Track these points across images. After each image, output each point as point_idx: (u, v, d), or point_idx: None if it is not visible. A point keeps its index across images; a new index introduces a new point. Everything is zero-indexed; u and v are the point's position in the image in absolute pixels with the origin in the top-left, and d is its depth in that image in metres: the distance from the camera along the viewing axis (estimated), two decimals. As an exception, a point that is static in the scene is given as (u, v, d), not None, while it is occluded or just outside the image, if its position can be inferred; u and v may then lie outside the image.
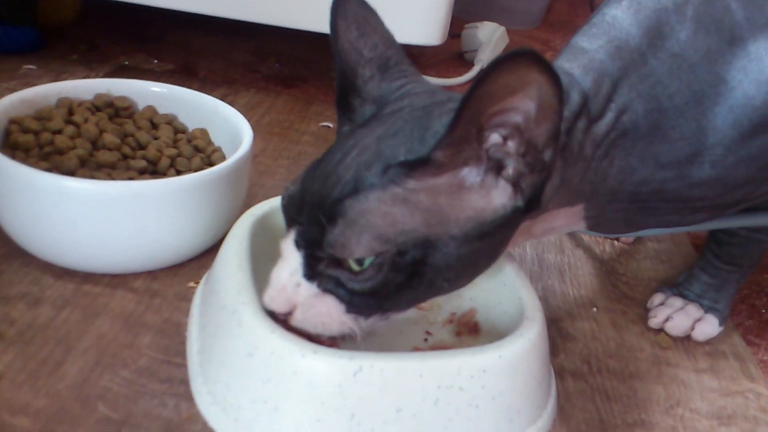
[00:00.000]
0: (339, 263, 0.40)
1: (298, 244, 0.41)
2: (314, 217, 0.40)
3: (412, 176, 0.39)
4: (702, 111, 0.45)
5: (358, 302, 0.41)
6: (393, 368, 0.41)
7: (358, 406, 0.41)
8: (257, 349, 0.42)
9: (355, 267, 0.40)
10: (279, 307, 0.42)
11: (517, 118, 0.37)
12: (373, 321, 0.43)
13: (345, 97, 0.44)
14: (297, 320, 0.42)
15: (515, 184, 0.40)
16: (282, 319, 0.43)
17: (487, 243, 0.42)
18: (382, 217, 0.39)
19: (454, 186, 0.39)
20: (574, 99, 0.43)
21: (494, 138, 0.39)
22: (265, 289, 0.43)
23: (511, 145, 0.39)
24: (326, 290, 0.41)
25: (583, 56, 0.45)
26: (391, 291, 0.41)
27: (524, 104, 0.36)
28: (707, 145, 0.46)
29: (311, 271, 0.41)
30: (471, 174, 0.40)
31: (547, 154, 0.39)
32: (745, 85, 0.45)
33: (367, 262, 0.40)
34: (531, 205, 0.41)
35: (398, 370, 0.41)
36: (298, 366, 0.41)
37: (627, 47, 0.45)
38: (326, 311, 0.42)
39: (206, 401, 0.44)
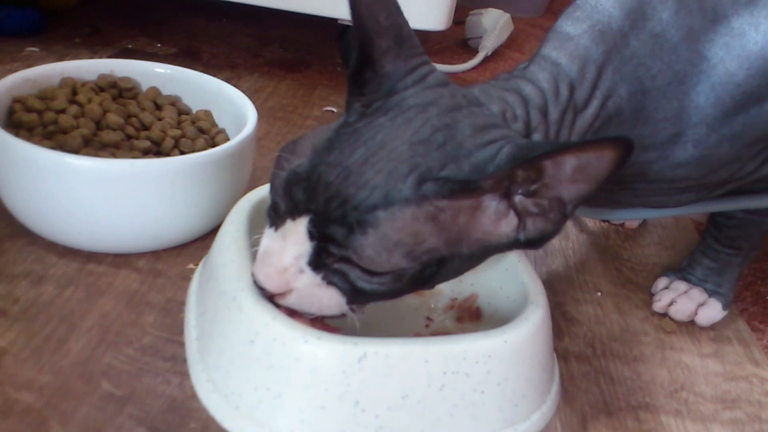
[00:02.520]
0: (351, 261, 0.39)
1: (311, 235, 0.39)
2: (337, 217, 0.38)
3: (451, 197, 0.38)
4: (684, 90, 0.45)
5: (361, 297, 0.41)
6: (398, 354, 0.41)
7: (363, 392, 0.40)
8: (258, 336, 0.41)
9: (372, 274, 0.40)
10: (274, 287, 0.40)
11: (545, 162, 0.37)
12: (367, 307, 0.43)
13: (360, 70, 0.42)
14: (287, 302, 0.41)
15: (521, 218, 0.40)
16: (268, 296, 0.41)
17: (484, 257, 0.42)
18: (413, 235, 0.38)
19: (473, 207, 0.39)
20: (563, 93, 0.44)
21: (519, 174, 0.39)
22: (258, 261, 0.41)
23: (521, 175, 0.39)
24: (330, 282, 0.40)
25: (569, 43, 0.45)
26: (397, 292, 0.41)
27: (565, 164, 0.37)
28: (690, 124, 0.46)
29: (318, 262, 0.40)
30: (490, 199, 0.40)
31: (569, 209, 0.40)
32: (727, 61, 0.45)
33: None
34: (531, 245, 0.41)
35: (403, 356, 0.41)
36: (301, 352, 0.40)
37: (610, 30, 0.45)
38: (326, 301, 0.41)
39: (206, 389, 0.43)
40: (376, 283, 0.39)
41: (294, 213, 0.40)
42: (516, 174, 0.38)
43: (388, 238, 0.38)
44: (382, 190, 0.38)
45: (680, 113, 0.45)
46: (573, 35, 0.45)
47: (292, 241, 0.40)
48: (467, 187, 0.38)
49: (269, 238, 0.41)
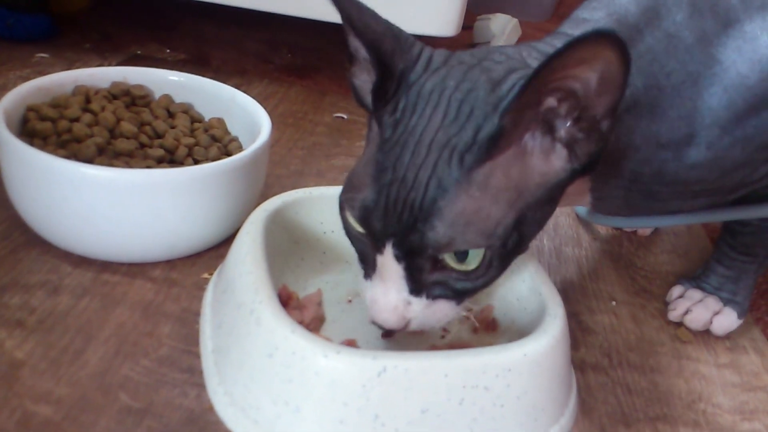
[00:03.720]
0: (442, 267, 0.41)
1: (398, 258, 0.41)
2: (409, 226, 0.39)
3: (490, 156, 0.39)
4: (697, 91, 0.45)
5: (468, 295, 0.44)
6: (418, 368, 0.40)
7: (382, 406, 0.40)
8: (277, 350, 0.41)
9: (461, 267, 0.41)
10: (395, 326, 0.43)
11: (575, 85, 0.38)
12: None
13: (383, 83, 0.41)
14: (411, 329, 0.44)
15: (570, 147, 0.40)
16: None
17: (553, 201, 0.43)
18: (477, 212, 0.39)
19: (519, 154, 0.40)
20: None
21: (549, 101, 0.39)
22: (370, 310, 0.43)
23: (564, 107, 0.39)
24: (435, 297, 0.42)
25: (586, 25, 0.46)
26: (498, 274, 0.43)
27: (585, 74, 0.37)
28: (703, 125, 0.46)
29: (416, 285, 0.42)
30: (531, 138, 0.40)
31: (605, 125, 0.40)
32: (739, 65, 0.45)
33: (471, 260, 0.41)
34: (587, 169, 0.41)
35: (423, 370, 0.40)
36: (320, 366, 0.40)
37: (626, 22, 0.45)
38: (441, 315, 0.44)
39: (223, 402, 0.43)
40: (474, 278, 0.42)
41: (379, 244, 0.41)
42: (544, 102, 0.39)
43: (456, 224, 0.39)
44: (436, 182, 0.39)
45: (693, 114, 0.46)
46: (590, 19, 0.46)
47: (390, 278, 0.42)
48: (496, 137, 0.38)
49: (369, 288, 0.43)
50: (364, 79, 0.45)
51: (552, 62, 0.35)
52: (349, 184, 0.43)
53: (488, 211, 0.39)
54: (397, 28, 0.43)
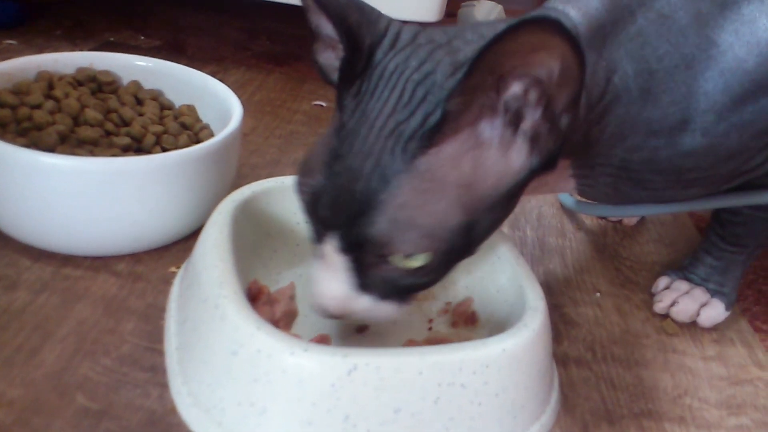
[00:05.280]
0: (388, 263, 0.39)
1: (343, 251, 0.39)
2: (351, 219, 0.37)
3: (433, 143, 0.36)
4: (692, 75, 0.43)
5: (413, 293, 0.43)
6: (390, 366, 0.38)
7: (353, 406, 0.38)
8: (242, 347, 0.39)
9: (405, 264, 0.39)
10: (336, 314, 0.42)
11: (541, 72, 0.34)
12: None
13: (351, 59, 0.38)
14: (354, 318, 0.42)
15: (533, 142, 0.37)
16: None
17: (509, 204, 0.41)
18: (419, 207, 0.36)
19: (472, 145, 0.37)
20: None
21: (515, 88, 0.36)
22: (314, 294, 0.42)
23: (533, 95, 0.36)
24: (380, 292, 0.41)
25: (579, 1, 0.43)
26: (442, 274, 0.41)
27: (550, 62, 0.34)
28: (698, 111, 0.44)
29: (362, 280, 0.40)
30: (487, 128, 0.37)
31: (564, 120, 0.36)
32: (737, 48, 0.43)
33: (416, 258, 0.38)
34: (544, 168, 0.38)
35: (396, 368, 0.38)
36: (287, 365, 0.38)
37: (617, 3, 0.43)
38: (386, 312, 0.42)
39: (187, 403, 0.41)
40: (419, 276, 0.40)
41: (323, 235, 0.39)
42: (507, 88, 0.35)
43: (397, 221, 0.36)
44: (378, 173, 0.36)
45: (688, 98, 0.43)
46: None
47: (334, 269, 0.40)
48: (440, 122, 0.35)
49: (316, 268, 0.42)
50: (329, 56, 0.42)
51: (496, 44, 0.32)
52: (304, 167, 0.40)
53: (434, 208, 0.37)
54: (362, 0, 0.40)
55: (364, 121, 0.37)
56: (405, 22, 0.41)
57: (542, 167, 0.38)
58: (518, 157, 0.38)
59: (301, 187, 0.40)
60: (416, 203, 0.36)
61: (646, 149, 0.44)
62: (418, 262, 0.38)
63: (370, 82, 0.38)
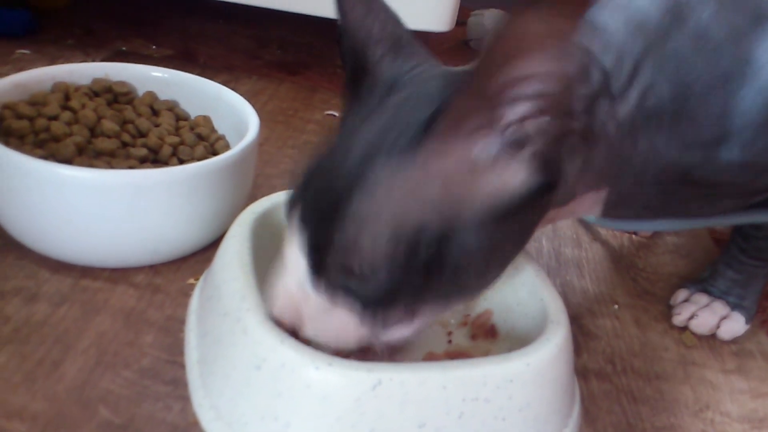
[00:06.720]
0: (348, 269, 0.36)
1: (304, 250, 0.37)
2: (319, 219, 0.36)
3: (420, 156, 0.34)
4: (729, 93, 0.42)
5: (372, 311, 0.38)
6: (415, 380, 0.38)
7: (377, 421, 0.38)
8: (266, 361, 0.38)
9: (363, 271, 0.36)
10: (287, 317, 0.39)
11: (536, 86, 0.32)
12: (396, 331, 0.40)
13: (355, 80, 0.40)
14: (308, 333, 0.39)
15: (532, 156, 0.36)
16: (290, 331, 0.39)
17: (508, 228, 0.38)
18: (391, 213, 0.35)
19: (465, 165, 0.35)
20: (595, 77, 0.40)
21: (510, 116, 0.34)
22: (271, 297, 0.40)
23: (532, 123, 0.34)
24: (337, 302, 0.38)
25: (602, 34, 0.42)
26: (408, 295, 0.37)
27: (542, 65, 0.31)
28: (736, 127, 0.43)
29: (319, 281, 0.38)
30: (483, 150, 0.35)
31: (559, 127, 0.35)
32: None
33: (379, 268, 0.36)
34: (553, 179, 0.37)
35: (420, 383, 0.38)
36: (312, 379, 0.37)
37: (647, 27, 0.42)
38: (340, 325, 0.39)
39: (209, 417, 0.40)
40: (373, 284, 0.36)
41: (293, 232, 0.38)
42: (479, 104, 0.33)
43: (364, 223, 0.35)
44: (356, 178, 0.35)
45: (725, 116, 0.42)
46: (607, 27, 0.41)
47: (292, 264, 0.38)
48: (425, 139, 0.34)
49: (276, 269, 0.40)
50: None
51: (485, 58, 0.30)
52: (295, 175, 0.40)
53: (406, 215, 0.35)
54: (409, 40, 0.41)
55: (355, 134, 0.37)
56: (416, 32, 0.41)
57: (547, 186, 0.37)
58: (517, 175, 0.36)
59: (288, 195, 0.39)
60: (389, 208, 0.35)
61: (681, 164, 0.43)
62: (379, 272, 0.36)
63: (381, 106, 0.38)
